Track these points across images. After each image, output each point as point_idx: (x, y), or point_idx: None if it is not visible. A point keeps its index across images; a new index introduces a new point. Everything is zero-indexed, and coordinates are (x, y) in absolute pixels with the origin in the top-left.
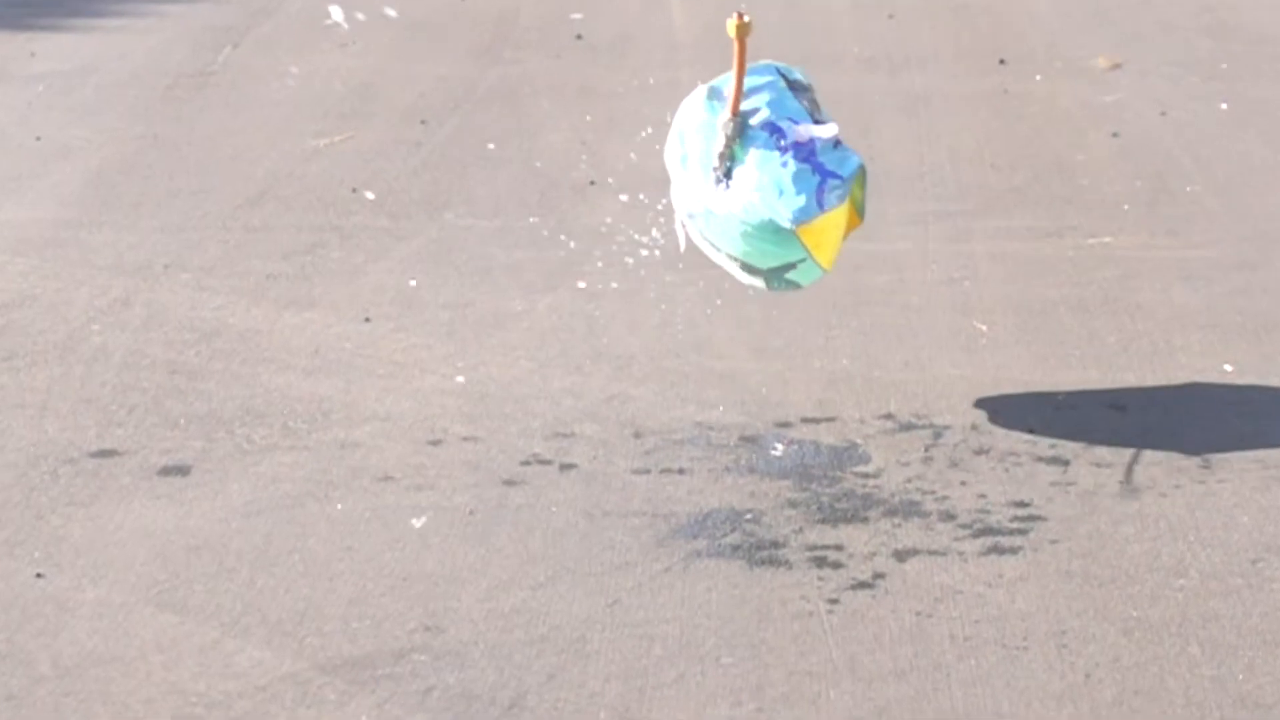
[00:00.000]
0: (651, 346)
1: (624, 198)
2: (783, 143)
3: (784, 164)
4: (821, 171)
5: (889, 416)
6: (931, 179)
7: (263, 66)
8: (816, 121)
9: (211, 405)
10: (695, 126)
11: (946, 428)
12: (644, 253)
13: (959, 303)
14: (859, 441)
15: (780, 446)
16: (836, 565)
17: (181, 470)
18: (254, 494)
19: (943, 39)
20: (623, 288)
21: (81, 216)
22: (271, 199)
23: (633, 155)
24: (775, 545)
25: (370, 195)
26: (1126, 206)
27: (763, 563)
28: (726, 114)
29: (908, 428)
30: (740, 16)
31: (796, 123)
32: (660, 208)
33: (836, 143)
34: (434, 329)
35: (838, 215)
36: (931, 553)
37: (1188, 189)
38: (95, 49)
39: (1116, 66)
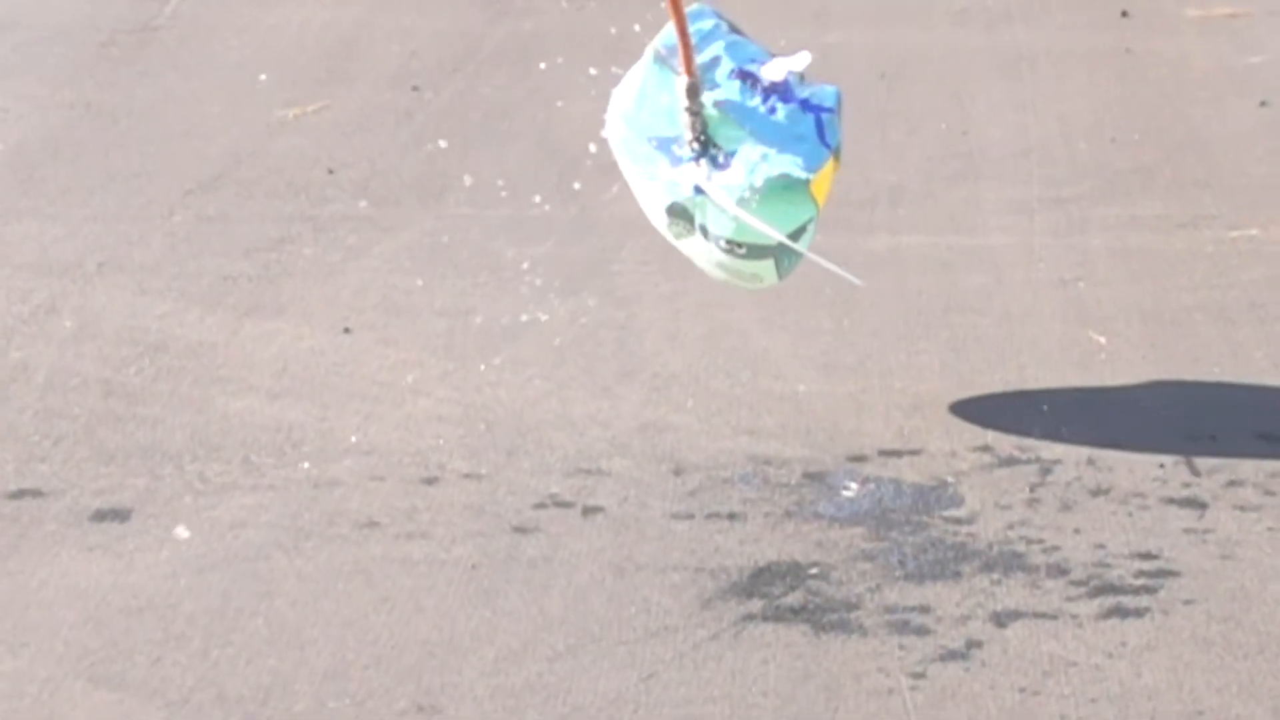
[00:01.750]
0: (695, 363)
1: None
2: (759, 88)
3: (771, 110)
4: (810, 108)
5: (986, 449)
6: (1038, 157)
7: (218, 19)
8: (774, 56)
9: (156, 435)
10: (648, 101)
11: (1056, 462)
12: None
13: (1072, 309)
14: (949, 479)
15: (853, 486)
16: (921, 631)
17: (119, 514)
18: (208, 544)
19: None
20: (660, 290)
21: None
22: (230, 182)
23: None
24: (847, 607)
25: (351, 176)
26: (1278, 192)
27: (831, 628)
28: (683, 79)
29: (1009, 462)
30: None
31: (761, 63)
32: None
33: (801, 77)
34: (428, 341)
35: (831, 166)
36: (1038, 615)
37: None
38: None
39: (1236, 17)
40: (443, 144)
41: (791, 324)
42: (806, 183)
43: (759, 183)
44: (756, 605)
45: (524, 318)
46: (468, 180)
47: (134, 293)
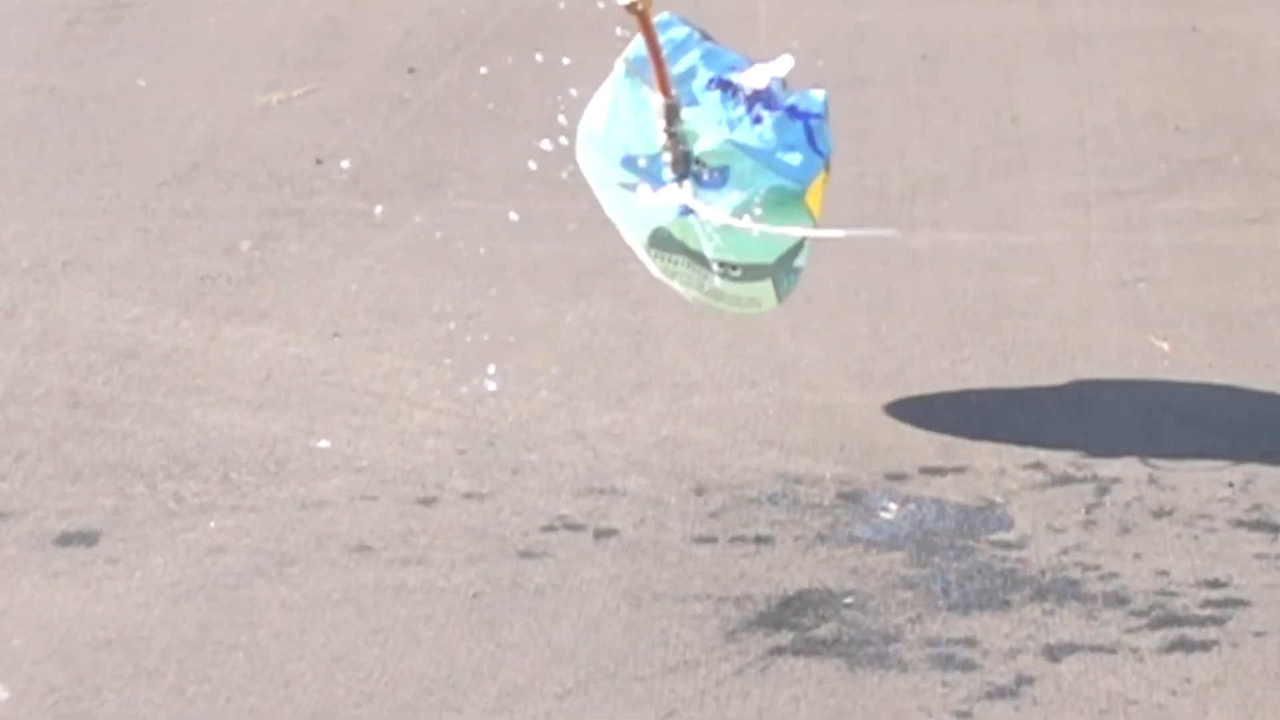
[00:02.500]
0: (718, 371)
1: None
2: (741, 97)
3: (756, 119)
4: (797, 115)
5: (1038, 466)
6: (1094, 146)
7: None
8: (753, 63)
9: (126, 451)
10: (621, 119)
11: (1115, 481)
12: None
13: (1132, 312)
14: (998, 500)
15: (892, 507)
16: (968, 666)
17: (87, 538)
18: (184, 570)
19: None
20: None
21: None
22: (207, 173)
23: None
24: (885, 639)
25: (343, 166)
26: None
27: (868, 662)
28: (659, 99)
29: (1063, 481)
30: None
31: (741, 70)
32: None
33: (784, 83)
34: (426, 348)
35: (823, 177)
36: (1095, 649)
37: None
38: None
39: None
40: (440, 131)
41: (823, 329)
42: (800, 194)
43: (751, 197)
44: (786, 637)
45: (530, 322)
46: (467, 172)
47: (102, 294)
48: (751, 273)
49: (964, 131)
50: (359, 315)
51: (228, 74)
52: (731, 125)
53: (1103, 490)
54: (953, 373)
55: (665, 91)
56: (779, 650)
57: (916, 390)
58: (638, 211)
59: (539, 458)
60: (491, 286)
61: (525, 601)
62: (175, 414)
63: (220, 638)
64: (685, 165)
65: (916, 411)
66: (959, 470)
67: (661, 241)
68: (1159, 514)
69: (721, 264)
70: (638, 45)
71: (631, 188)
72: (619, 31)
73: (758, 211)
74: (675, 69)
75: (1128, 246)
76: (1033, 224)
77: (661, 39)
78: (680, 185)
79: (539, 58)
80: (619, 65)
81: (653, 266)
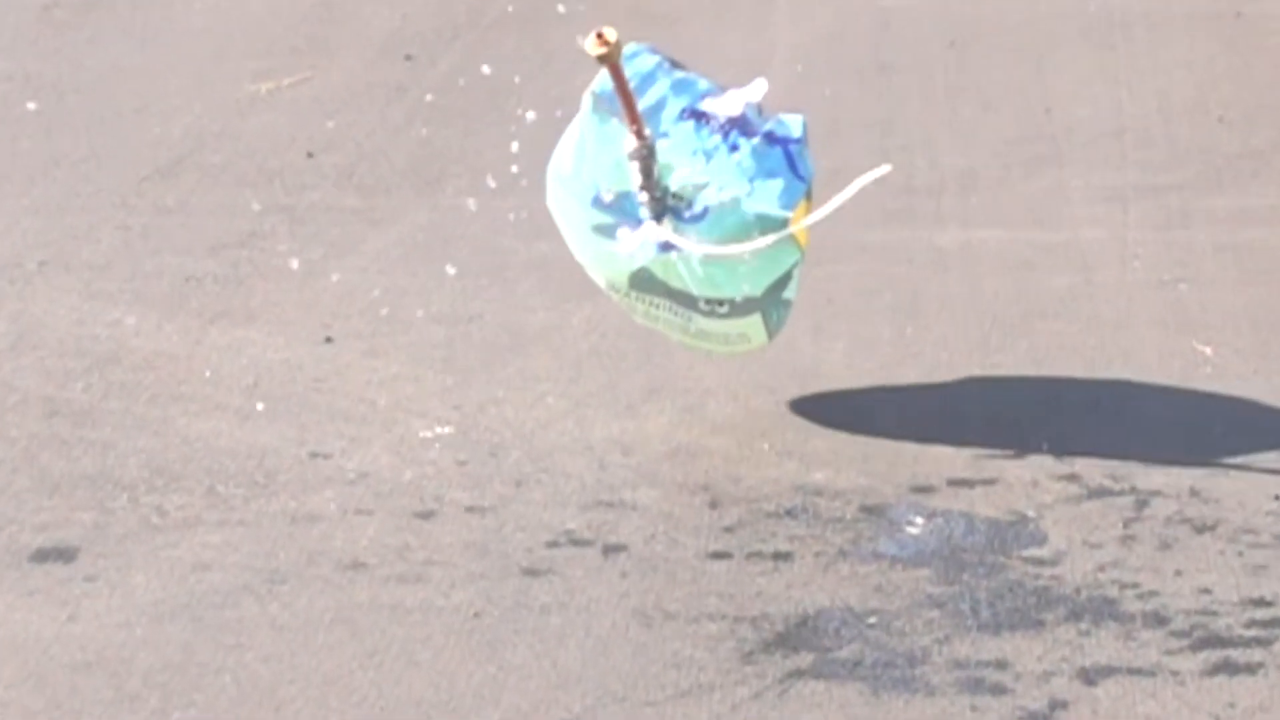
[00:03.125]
0: (734, 377)
1: None
2: (715, 126)
3: (733, 147)
4: (775, 140)
5: (1073, 478)
6: (1133, 139)
7: None
8: (725, 90)
9: (107, 462)
10: (591, 156)
11: (1155, 494)
12: None
13: (1173, 315)
14: (1030, 513)
15: (918, 521)
16: (998, 690)
17: (64, 554)
18: (167, 588)
19: None
20: None
21: None
22: (192, 168)
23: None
24: (911, 661)
25: (334, 161)
26: None
27: (893, 686)
28: (631, 142)
29: (1099, 494)
30: (601, 37)
31: (714, 97)
32: None
33: (759, 109)
34: (424, 353)
35: (805, 204)
36: (1133, 672)
37: None
38: None
39: None
40: (439, 123)
41: (845, 332)
42: (785, 221)
43: (731, 226)
44: (805, 660)
45: (534, 325)
46: (468, 166)
47: (81, 296)
48: (739, 307)
49: (994, 123)
50: (353, 318)
51: (214, 62)
52: (707, 155)
53: (1142, 504)
54: (982, 379)
55: (639, 135)
56: (798, 673)
57: (944, 398)
58: (616, 255)
59: (543, 469)
60: (493, 287)
61: (529, 622)
62: (158, 423)
63: (206, 660)
64: (662, 204)
65: (944, 420)
66: (989, 482)
67: (643, 283)
68: (1201, 529)
69: (708, 300)
70: (603, 79)
71: (607, 230)
72: (625, 17)
73: (736, 241)
74: (644, 101)
75: (1168, 245)
76: (1067, 221)
77: (629, 70)
78: (659, 223)
79: (542, 46)
80: (585, 100)
81: (636, 311)
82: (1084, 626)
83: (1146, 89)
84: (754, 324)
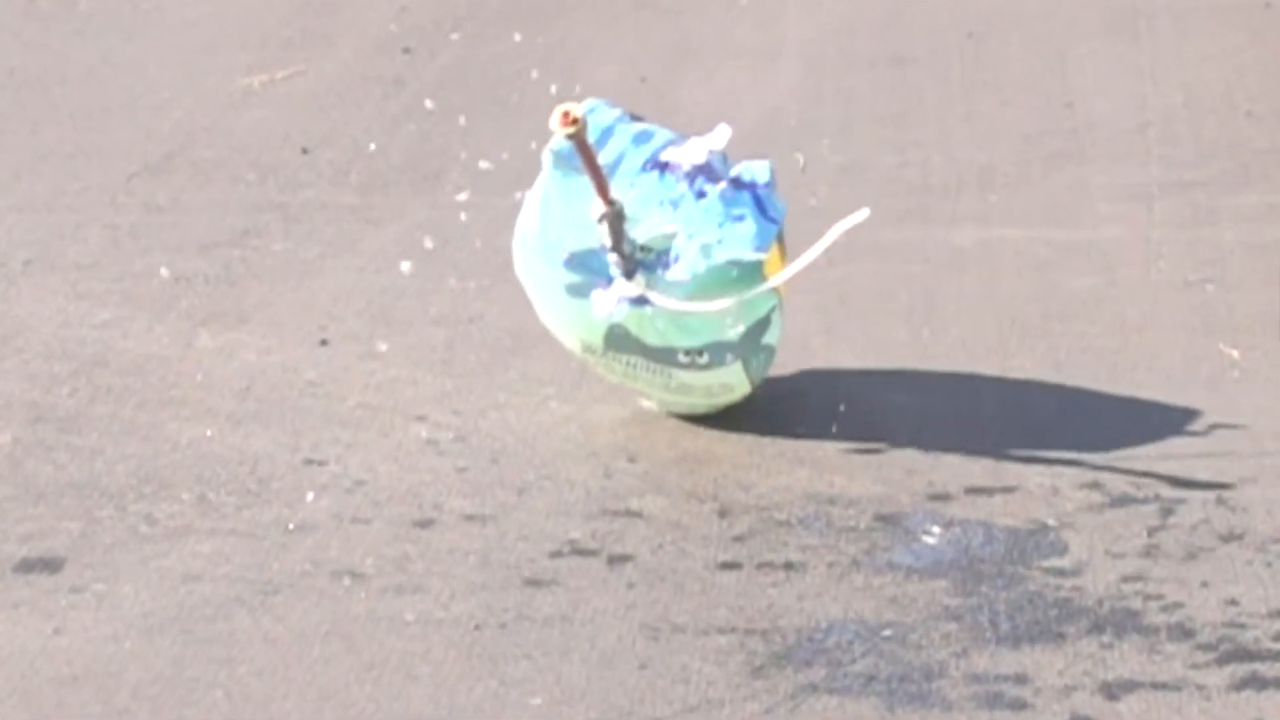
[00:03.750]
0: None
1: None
2: (680, 174)
3: (700, 194)
4: (743, 185)
5: (1095, 486)
6: (1157, 134)
7: None
8: (688, 138)
9: (94, 469)
10: (556, 213)
11: (1180, 502)
12: None
13: (1199, 316)
14: (1051, 522)
15: (935, 530)
16: (1018, 705)
17: (50, 564)
18: (157, 600)
19: None
20: None
21: None
22: (183, 164)
23: (714, 98)
24: (927, 675)
25: (329, 157)
26: None
27: (909, 701)
28: (599, 207)
29: (1123, 502)
30: (567, 116)
31: (676, 145)
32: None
33: (725, 156)
34: (422, 355)
35: (778, 248)
36: (1158, 686)
37: None
38: None
39: None
40: (439, 118)
41: (859, 334)
42: (759, 264)
43: (704, 273)
44: (818, 674)
45: (537, 326)
46: (469, 162)
47: (68, 296)
48: (719, 356)
49: (1013, 118)
50: (349, 320)
51: (205, 55)
52: (674, 204)
53: (1166, 512)
54: (1001, 383)
55: (607, 200)
56: (810, 688)
57: (961, 402)
58: (590, 314)
59: (547, 476)
60: (495, 288)
61: (532, 634)
62: (147, 428)
63: (197, 674)
64: (633, 261)
65: (961, 426)
66: (1008, 490)
67: (618, 341)
68: (1228, 538)
69: (686, 352)
70: (557, 142)
71: (580, 289)
72: (632, 10)
73: (711, 289)
74: (604, 155)
75: (1194, 244)
76: (1089, 220)
77: (589, 124)
78: (631, 279)
79: (544, 37)
80: (546, 158)
81: (611, 372)
82: (1106, 639)
83: (1171, 82)
84: (735, 372)
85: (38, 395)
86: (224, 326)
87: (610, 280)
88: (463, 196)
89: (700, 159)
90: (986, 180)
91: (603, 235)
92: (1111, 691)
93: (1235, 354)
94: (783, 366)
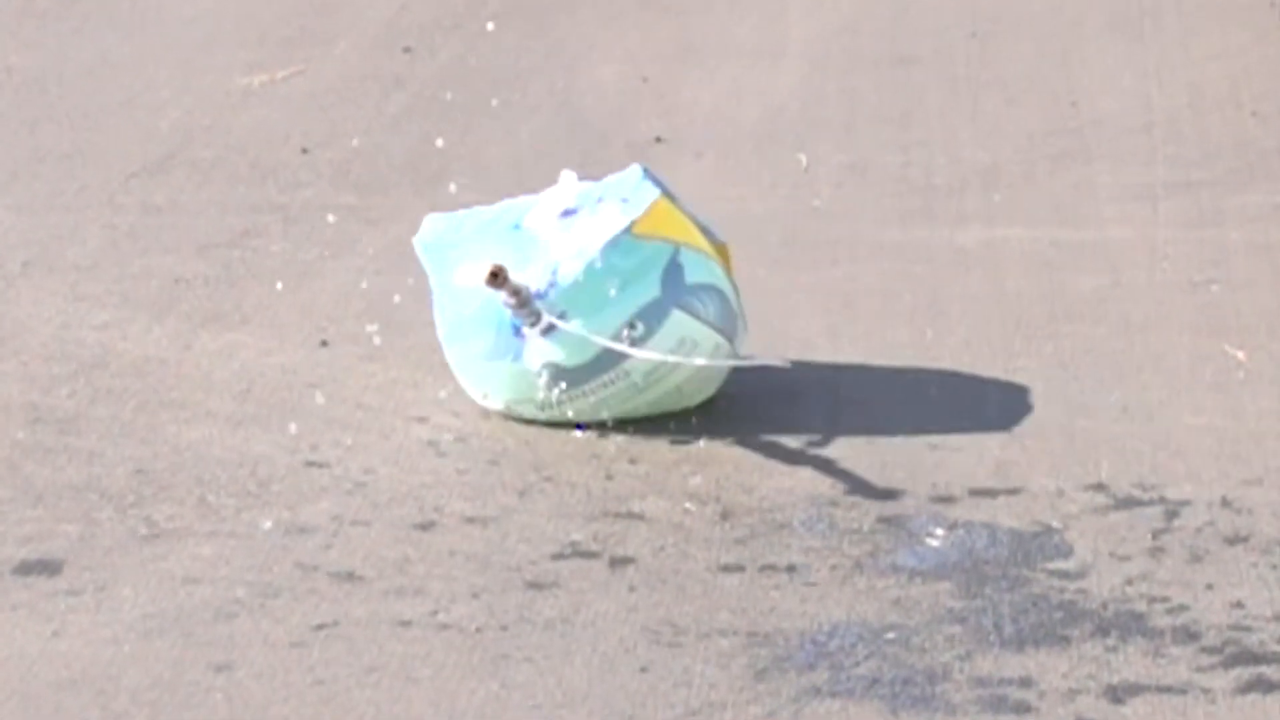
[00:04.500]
0: (744, 382)
1: (705, 158)
2: (546, 222)
3: (569, 220)
4: (609, 193)
5: (1100, 487)
6: (1163, 133)
7: None
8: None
9: (93, 471)
10: (451, 294)
11: (1185, 504)
12: (734, 237)
13: (1205, 317)
14: (1055, 525)
15: (939, 532)
16: (1022, 708)
17: (49, 567)
18: (156, 603)
19: None
20: None
21: None
22: (182, 164)
23: (716, 98)
24: (931, 679)
25: (329, 157)
26: None
27: (912, 704)
28: (484, 269)
29: (1128, 504)
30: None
31: (530, 210)
32: (753, 169)
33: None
34: (423, 357)
35: (664, 205)
36: (1163, 689)
37: None
38: None
39: None
40: (439, 118)
41: (862, 335)
42: (629, 226)
43: (583, 271)
44: (821, 677)
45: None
46: (471, 161)
47: (66, 298)
48: (652, 316)
49: (1018, 117)
50: (349, 321)
51: (204, 54)
52: (546, 243)
53: (1171, 514)
54: (1005, 384)
55: (492, 271)
56: (813, 691)
57: (965, 403)
58: (524, 371)
59: (548, 478)
60: None
61: (533, 637)
62: (146, 430)
63: (196, 678)
64: (531, 305)
65: (965, 427)
66: (1012, 492)
67: (565, 374)
68: (1233, 540)
69: (627, 327)
70: (427, 227)
71: (501, 350)
72: (636, 9)
73: (608, 273)
74: (464, 236)
75: (1200, 244)
76: (1094, 219)
77: (441, 229)
78: (540, 319)
79: (547, 35)
80: (419, 252)
81: (580, 415)
82: (1111, 642)
83: (1177, 81)
84: (684, 323)
85: (36, 397)
86: (223, 328)
87: (518, 329)
88: (462, 196)
89: (564, 205)
90: (991, 180)
91: (498, 300)
92: (1116, 695)
93: (1241, 355)
94: (786, 368)
